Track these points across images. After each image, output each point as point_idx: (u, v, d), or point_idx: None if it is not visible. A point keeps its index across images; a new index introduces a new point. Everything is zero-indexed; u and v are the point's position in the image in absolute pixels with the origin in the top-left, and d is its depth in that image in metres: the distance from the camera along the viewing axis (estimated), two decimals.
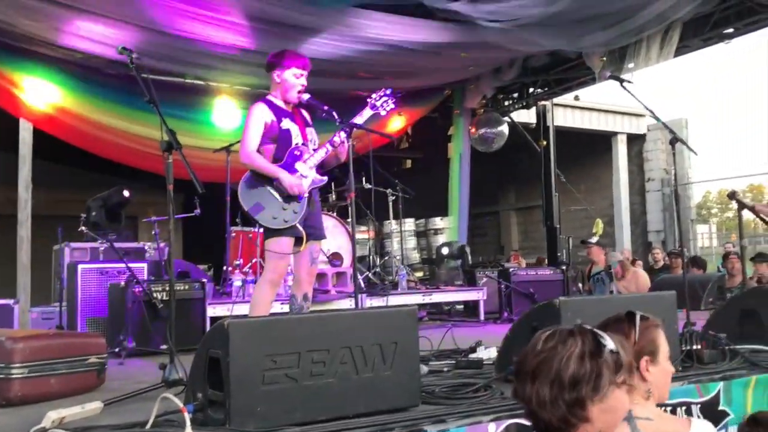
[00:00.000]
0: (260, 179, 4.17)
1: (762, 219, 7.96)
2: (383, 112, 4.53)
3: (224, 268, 7.21)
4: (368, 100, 4.49)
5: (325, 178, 4.36)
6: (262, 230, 4.32)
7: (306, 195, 4.21)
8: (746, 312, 4.29)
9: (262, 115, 4.20)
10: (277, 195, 4.13)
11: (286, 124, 4.24)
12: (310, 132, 4.40)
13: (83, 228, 6.93)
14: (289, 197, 4.14)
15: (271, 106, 4.26)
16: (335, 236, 7.43)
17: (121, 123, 8.72)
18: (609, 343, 1.62)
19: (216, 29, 7.23)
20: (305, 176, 4.22)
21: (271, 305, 4.30)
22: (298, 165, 4.22)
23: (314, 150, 4.31)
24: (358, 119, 4.33)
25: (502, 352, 3.65)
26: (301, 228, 4.15)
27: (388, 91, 4.51)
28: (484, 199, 15.52)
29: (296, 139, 4.26)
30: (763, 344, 4.06)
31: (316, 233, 4.36)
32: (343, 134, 4.22)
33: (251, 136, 4.17)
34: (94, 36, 7.30)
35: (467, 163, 11.22)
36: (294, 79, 4.29)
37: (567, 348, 1.60)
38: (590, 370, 1.58)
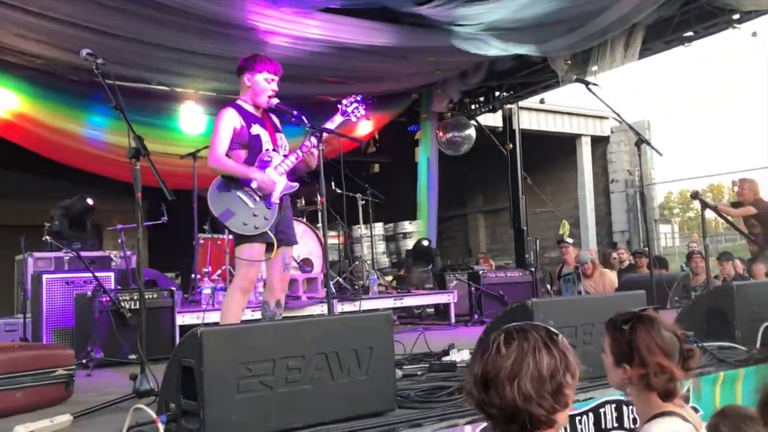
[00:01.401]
0: (230, 185, 4.12)
1: (724, 218, 8.13)
2: (354, 119, 4.53)
3: (192, 276, 7.12)
4: (339, 106, 4.48)
5: (296, 184, 4.33)
6: (231, 237, 4.27)
7: (277, 201, 4.19)
8: (713, 310, 4.37)
9: (231, 120, 4.16)
10: (247, 201, 4.10)
11: (256, 129, 4.20)
12: (280, 138, 4.37)
13: (47, 237, 6.79)
14: (259, 204, 4.11)
15: (241, 111, 4.22)
16: (305, 242, 7.38)
17: (84, 129, 8.61)
18: (553, 328, 1.71)
19: (182, 34, 7.17)
20: (276, 182, 4.20)
21: (243, 312, 4.25)
22: (269, 171, 4.19)
23: (285, 156, 4.29)
24: (329, 125, 4.32)
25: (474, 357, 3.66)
26: (272, 234, 4.12)
27: (359, 98, 4.51)
28: (452, 202, 15.59)
29: (266, 144, 4.23)
30: (730, 341, 4.14)
31: (287, 239, 4.33)
32: (313, 139, 4.20)
33: (220, 141, 4.12)
34: (56, 42, 7.19)
35: (435, 167, 11.29)
36: (265, 84, 4.25)
37: (531, 343, 1.66)
38: (559, 357, 1.65)
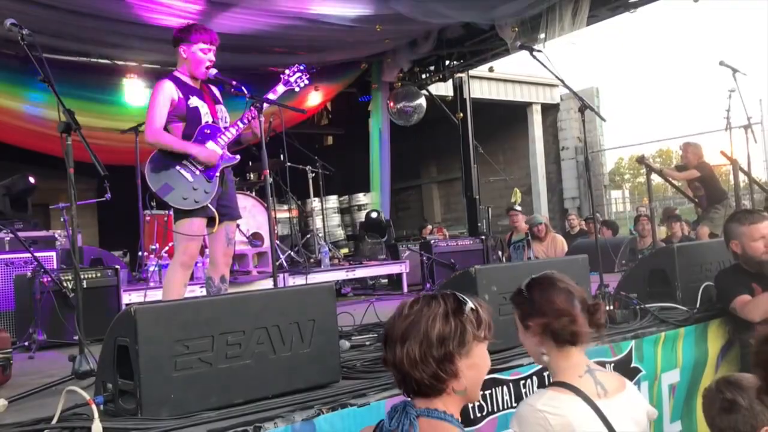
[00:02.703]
0: (168, 159, 4.02)
1: (669, 182, 8.28)
2: (297, 88, 4.45)
3: (140, 253, 6.98)
4: (281, 75, 4.40)
5: (238, 156, 4.25)
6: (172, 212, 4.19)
7: (218, 174, 4.10)
8: (655, 271, 4.45)
9: (168, 92, 4.04)
10: (186, 175, 4.00)
11: (194, 101, 4.10)
12: (220, 110, 4.27)
13: None
14: (199, 177, 4.02)
15: (178, 83, 4.11)
16: (255, 216, 7.31)
17: (23, 106, 8.32)
18: (469, 302, 1.74)
19: (124, 5, 6.95)
20: (217, 154, 4.11)
21: (185, 288, 4.18)
22: (209, 144, 4.10)
23: (225, 128, 4.20)
24: (271, 95, 4.24)
25: None
26: (212, 208, 4.05)
27: (301, 67, 4.43)
28: (406, 173, 15.61)
29: (206, 117, 4.13)
30: (671, 302, 4.23)
31: (230, 213, 4.25)
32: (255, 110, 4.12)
33: (157, 114, 4.01)
34: None
35: (387, 138, 11.24)
36: (201, 54, 4.14)
37: (432, 309, 1.70)
38: (455, 327, 1.69)
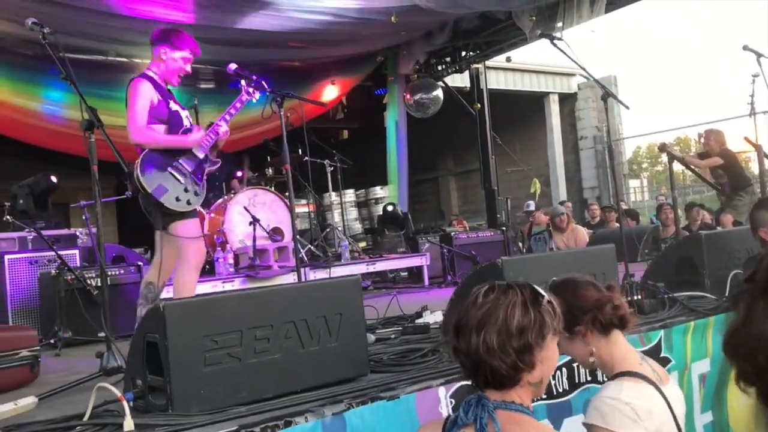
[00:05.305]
0: (160, 160, 3.96)
1: (691, 170, 8.17)
2: (254, 100, 4.38)
3: None
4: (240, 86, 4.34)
5: (219, 160, 4.24)
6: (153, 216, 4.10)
7: (205, 177, 4.12)
8: (682, 260, 4.38)
9: (147, 93, 3.94)
10: (178, 176, 3.97)
11: (174, 105, 4.06)
12: (187, 116, 4.24)
13: (8, 217, 6.62)
14: (188, 179, 4.00)
15: (155, 84, 4.01)
16: (275, 211, 7.31)
17: (42, 105, 8.38)
18: (545, 293, 1.70)
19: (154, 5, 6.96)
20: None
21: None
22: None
23: (206, 132, 4.19)
24: (232, 111, 4.23)
25: (448, 315, 3.64)
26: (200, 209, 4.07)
27: (254, 77, 4.35)
28: (422, 165, 15.53)
29: (185, 121, 4.10)
30: (700, 290, 4.16)
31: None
32: (224, 124, 4.12)
33: (140, 114, 3.88)
34: (4, 13, 6.93)
35: (404, 131, 11.19)
36: (181, 63, 4.06)
37: (509, 298, 1.66)
38: (534, 318, 1.64)
